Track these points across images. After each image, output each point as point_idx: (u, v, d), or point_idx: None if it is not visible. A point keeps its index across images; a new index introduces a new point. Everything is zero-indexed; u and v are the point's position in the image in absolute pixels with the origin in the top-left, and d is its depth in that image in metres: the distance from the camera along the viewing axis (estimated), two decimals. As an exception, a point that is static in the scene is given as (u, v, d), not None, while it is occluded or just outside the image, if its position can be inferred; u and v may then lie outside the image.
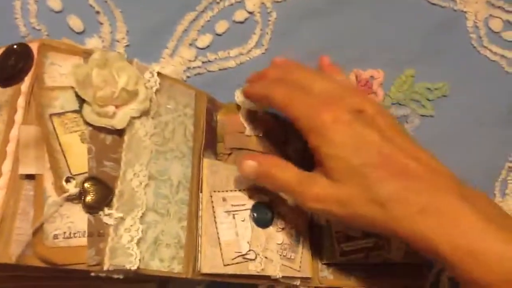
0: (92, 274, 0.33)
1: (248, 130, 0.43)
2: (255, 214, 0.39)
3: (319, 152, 0.34)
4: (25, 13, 0.50)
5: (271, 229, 0.39)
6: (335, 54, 0.53)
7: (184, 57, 0.51)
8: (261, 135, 0.43)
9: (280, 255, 0.38)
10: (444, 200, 0.32)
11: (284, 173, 0.36)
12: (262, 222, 0.39)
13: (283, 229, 0.39)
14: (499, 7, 0.56)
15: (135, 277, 0.36)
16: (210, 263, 0.38)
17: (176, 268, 0.36)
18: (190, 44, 0.52)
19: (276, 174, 0.36)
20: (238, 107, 0.45)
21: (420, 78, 0.53)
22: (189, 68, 0.51)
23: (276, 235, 0.39)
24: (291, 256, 0.38)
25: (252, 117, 0.44)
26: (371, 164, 0.33)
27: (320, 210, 0.34)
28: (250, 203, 0.39)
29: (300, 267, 0.39)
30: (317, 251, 0.41)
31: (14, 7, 0.50)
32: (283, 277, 0.38)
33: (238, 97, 0.45)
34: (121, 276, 0.34)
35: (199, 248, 0.38)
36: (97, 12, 0.51)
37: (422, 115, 0.52)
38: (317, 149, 0.34)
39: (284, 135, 0.44)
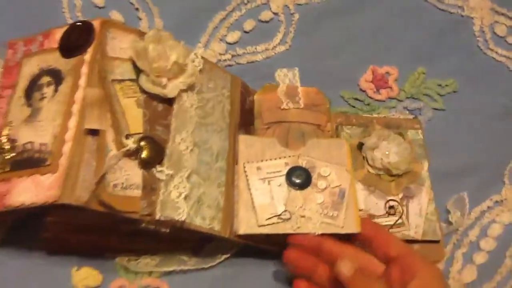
0: (143, 225, 0.37)
1: (285, 104, 0.47)
2: (291, 178, 0.42)
3: None
4: (71, 8, 0.55)
5: (309, 190, 0.42)
6: (353, 52, 0.58)
7: (216, 50, 0.55)
8: (302, 107, 0.47)
9: (321, 213, 0.41)
10: None
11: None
12: (298, 185, 0.42)
13: (324, 189, 0.42)
14: (502, 14, 0.61)
15: (176, 235, 0.39)
16: (245, 224, 0.41)
17: (216, 227, 0.40)
18: (221, 40, 0.56)
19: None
20: (274, 87, 0.48)
21: (432, 75, 0.57)
22: (219, 60, 0.55)
23: (316, 196, 0.42)
24: (333, 214, 0.41)
25: (291, 93, 0.48)
26: None
27: None
28: (286, 169, 0.43)
29: (343, 223, 0.41)
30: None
31: (62, 3, 0.55)
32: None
33: (279, 76, 0.49)
34: (167, 230, 0.38)
35: (236, 213, 0.41)
36: (137, 9, 0.56)
37: (434, 109, 0.56)
38: None
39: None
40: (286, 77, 0.48)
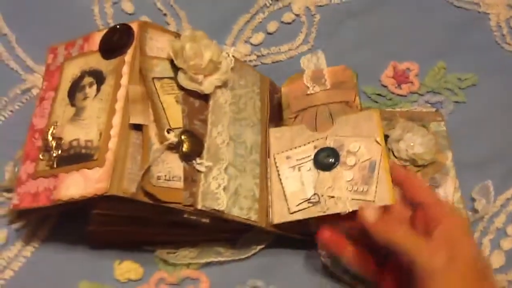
0: (185, 215, 0.38)
1: (311, 89, 0.47)
2: (318, 161, 0.42)
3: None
4: (103, 16, 0.57)
5: (338, 169, 0.42)
6: (373, 49, 0.59)
7: (241, 51, 0.57)
8: (328, 88, 0.47)
9: (350, 190, 0.41)
10: None
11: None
12: (326, 166, 0.42)
13: (353, 165, 0.42)
14: (518, 9, 0.63)
15: (215, 225, 0.40)
16: (279, 214, 0.42)
17: (253, 217, 0.41)
18: (245, 41, 0.58)
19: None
20: (299, 76, 0.49)
21: (451, 69, 0.58)
22: (245, 61, 0.57)
23: (345, 174, 0.41)
24: (363, 189, 0.41)
25: (317, 76, 0.48)
26: None
27: None
28: (314, 152, 0.43)
29: (375, 197, 0.40)
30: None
31: (93, 11, 0.57)
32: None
33: (304, 62, 0.50)
34: (207, 220, 0.39)
35: (270, 203, 0.43)
36: (165, 14, 0.58)
37: (455, 102, 0.57)
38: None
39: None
40: (310, 62, 0.49)
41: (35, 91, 0.53)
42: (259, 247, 0.45)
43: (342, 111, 0.45)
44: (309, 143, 0.44)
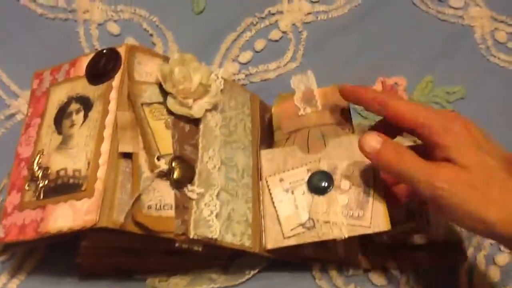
0: (177, 244, 0.37)
1: (302, 110, 0.46)
2: (312, 185, 0.41)
3: (449, 150, 0.36)
4: (88, 38, 0.56)
5: (332, 193, 0.41)
6: (360, 65, 0.59)
7: (229, 70, 0.57)
8: (319, 109, 0.46)
9: (346, 215, 0.40)
10: None
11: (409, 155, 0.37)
12: (320, 190, 0.41)
13: (348, 189, 0.41)
14: (501, 21, 0.63)
15: (208, 252, 0.40)
16: (273, 239, 0.41)
17: (247, 243, 0.40)
18: (233, 60, 0.58)
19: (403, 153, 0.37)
20: (290, 96, 0.48)
21: (439, 83, 0.59)
22: (233, 80, 0.56)
23: (339, 198, 0.41)
24: (358, 214, 0.40)
25: (308, 97, 0.47)
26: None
27: (448, 191, 0.35)
28: (308, 176, 0.42)
29: (370, 222, 0.40)
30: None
31: (79, 33, 0.57)
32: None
33: (294, 83, 0.49)
34: (200, 248, 0.38)
35: (263, 228, 0.42)
36: (151, 35, 0.58)
37: (444, 116, 0.57)
38: (447, 148, 0.37)
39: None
40: (301, 82, 0.48)
41: (19, 117, 0.51)
42: (252, 272, 0.44)
43: (334, 133, 0.45)
44: (302, 166, 0.43)
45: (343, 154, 0.43)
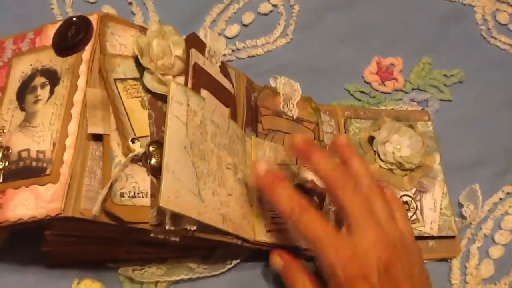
0: (152, 235, 0.34)
1: (281, 113, 0.45)
2: None
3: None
4: (60, 4, 0.52)
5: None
6: (356, 44, 0.56)
7: (215, 45, 0.53)
8: (294, 119, 0.46)
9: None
10: None
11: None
12: None
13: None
14: (503, 1, 0.60)
15: (186, 243, 0.36)
16: (255, 230, 0.39)
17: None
18: (219, 34, 0.54)
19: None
20: (274, 93, 0.47)
21: (437, 65, 0.55)
22: (219, 56, 0.52)
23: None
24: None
25: (288, 103, 0.46)
26: None
27: None
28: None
29: None
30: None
31: (51, -1, 0.52)
32: None
33: (280, 82, 0.47)
34: (177, 239, 0.35)
35: (246, 219, 0.39)
36: (130, 3, 0.53)
37: (441, 100, 0.54)
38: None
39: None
40: (286, 86, 0.47)
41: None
42: (234, 262, 0.42)
43: None
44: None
45: None
